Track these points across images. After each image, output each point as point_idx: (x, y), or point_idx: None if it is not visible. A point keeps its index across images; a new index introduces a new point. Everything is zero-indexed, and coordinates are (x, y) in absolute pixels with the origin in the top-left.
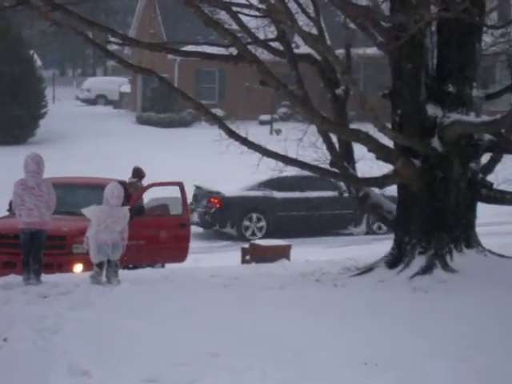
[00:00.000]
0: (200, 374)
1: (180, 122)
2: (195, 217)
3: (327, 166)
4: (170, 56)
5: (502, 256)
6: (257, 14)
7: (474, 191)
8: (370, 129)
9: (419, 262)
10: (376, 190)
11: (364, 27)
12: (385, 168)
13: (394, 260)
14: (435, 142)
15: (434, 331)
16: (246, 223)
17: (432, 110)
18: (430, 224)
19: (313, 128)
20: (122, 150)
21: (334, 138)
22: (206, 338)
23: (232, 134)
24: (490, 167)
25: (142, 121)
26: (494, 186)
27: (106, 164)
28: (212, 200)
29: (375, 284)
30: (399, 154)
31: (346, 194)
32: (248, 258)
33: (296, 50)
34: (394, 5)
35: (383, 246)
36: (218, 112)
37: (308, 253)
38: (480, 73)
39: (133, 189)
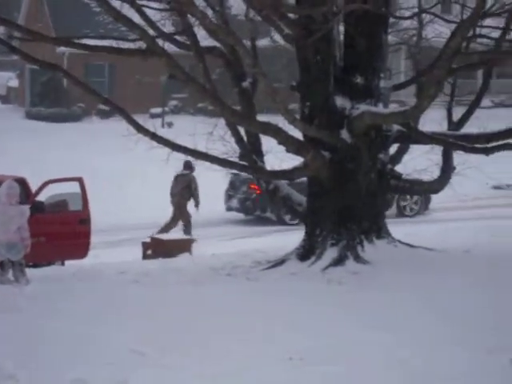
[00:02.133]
0: (128, 374)
1: (70, 117)
2: (234, 203)
3: (236, 160)
4: (58, 49)
5: (411, 246)
6: (162, 7)
7: (383, 182)
8: (279, 121)
9: (331, 253)
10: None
11: (270, 19)
12: (295, 160)
13: (306, 252)
14: (344, 134)
15: (354, 322)
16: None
17: (340, 101)
18: (341, 215)
19: (221, 121)
20: (13, 146)
21: (243, 131)
22: (129, 337)
23: (140, 129)
24: (398, 158)
25: (31, 116)
26: (403, 177)
27: None
28: (252, 186)
29: (288, 276)
30: (309, 146)
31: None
32: (150, 252)
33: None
34: None
35: (286, 237)
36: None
37: (210, 246)
38: (387, 64)
39: (188, 180)
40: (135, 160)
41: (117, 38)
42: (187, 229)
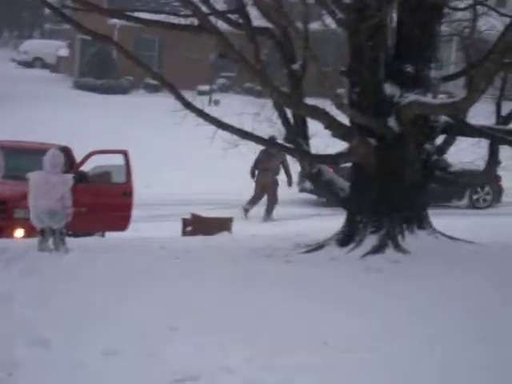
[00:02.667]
0: (160, 348)
1: (118, 89)
2: (308, 184)
3: (282, 142)
4: (110, 21)
5: (453, 238)
6: None
7: (428, 173)
8: (326, 105)
9: (371, 241)
10: None
11: (323, 2)
12: (340, 146)
13: (346, 238)
14: (392, 122)
15: (390, 311)
16: None
17: (390, 89)
18: (383, 204)
19: (268, 102)
20: (59, 116)
21: (290, 114)
22: (164, 312)
23: (188, 106)
24: (444, 149)
25: (79, 86)
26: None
27: (42, 129)
28: None
29: (327, 261)
30: (355, 132)
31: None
32: (189, 229)
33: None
34: None
35: (329, 222)
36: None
37: (248, 227)
38: (438, 54)
39: (283, 157)
40: (180, 136)
41: (168, 12)
42: (271, 207)
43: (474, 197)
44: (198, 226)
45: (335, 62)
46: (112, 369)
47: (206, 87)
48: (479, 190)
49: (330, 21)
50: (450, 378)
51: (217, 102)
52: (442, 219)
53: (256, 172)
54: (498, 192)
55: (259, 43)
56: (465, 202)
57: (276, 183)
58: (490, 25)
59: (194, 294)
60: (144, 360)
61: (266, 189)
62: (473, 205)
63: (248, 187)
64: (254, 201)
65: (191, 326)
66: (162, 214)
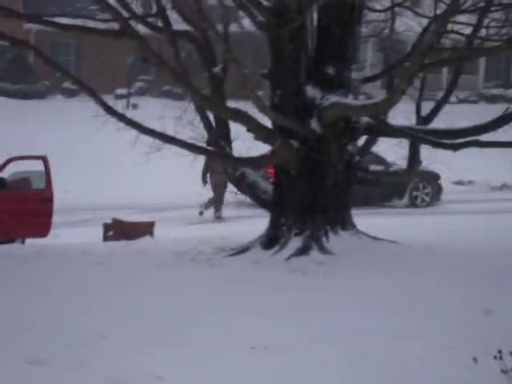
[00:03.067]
0: (89, 356)
1: (35, 94)
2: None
3: (204, 145)
4: (26, 26)
5: (376, 238)
6: None
7: (350, 174)
8: (248, 108)
9: (295, 243)
10: None
11: (243, 5)
12: (263, 148)
13: (270, 241)
14: (314, 124)
15: (316, 313)
16: None
17: (311, 91)
18: (307, 205)
19: (190, 105)
20: None
21: (212, 117)
22: (91, 319)
23: (109, 110)
24: (365, 150)
25: None
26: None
27: None
28: (269, 170)
29: (252, 265)
30: (278, 134)
31: (392, 168)
32: (111, 234)
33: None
34: None
35: (251, 225)
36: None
37: (171, 231)
38: (358, 55)
39: None
40: (102, 141)
41: (86, 17)
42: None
43: (414, 195)
44: (119, 230)
45: (254, 64)
46: (37, 378)
47: (123, 91)
48: (420, 188)
49: (248, 23)
50: (385, 375)
51: (135, 106)
52: (376, 219)
53: (208, 175)
54: (437, 191)
55: (179, 46)
56: (405, 201)
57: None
58: (407, 26)
59: (120, 299)
60: (72, 369)
61: (218, 188)
62: (412, 203)
63: (170, 191)
64: (217, 204)
65: (118, 332)
66: (83, 219)
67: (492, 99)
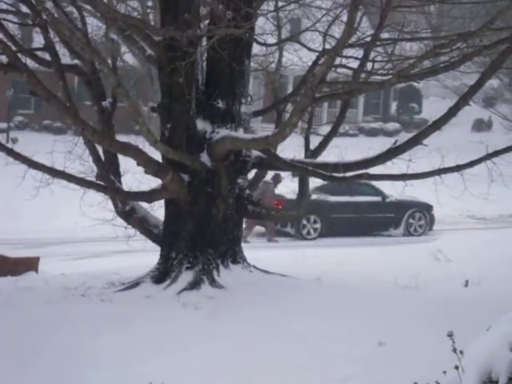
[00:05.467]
0: None
1: None
2: None
3: (94, 179)
4: None
5: (266, 272)
6: (25, 22)
7: (240, 207)
8: (138, 142)
9: (186, 277)
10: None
11: (132, 40)
12: (154, 182)
13: (161, 275)
14: (204, 157)
15: (209, 347)
16: (304, 223)
17: (201, 124)
18: (198, 239)
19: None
20: None
21: (101, 151)
22: None
23: None
24: (255, 183)
25: None
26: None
27: None
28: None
29: (143, 300)
30: (168, 168)
31: (388, 199)
32: None
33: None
34: (165, 18)
35: (140, 259)
36: None
37: (55, 266)
38: (248, 89)
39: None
40: None
41: None
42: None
43: (410, 223)
44: (2, 265)
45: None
46: None
47: (3, 124)
48: (415, 219)
49: (129, 57)
50: None
51: (15, 140)
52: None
53: None
54: (430, 221)
55: (67, 80)
56: (401, 230)
57: None
58: (286, 59)
59: (9, 338)
60: None
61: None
62: (408, 232)
63: (56, 225)
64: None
65: (6, 372)
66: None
67: (372, 133)
